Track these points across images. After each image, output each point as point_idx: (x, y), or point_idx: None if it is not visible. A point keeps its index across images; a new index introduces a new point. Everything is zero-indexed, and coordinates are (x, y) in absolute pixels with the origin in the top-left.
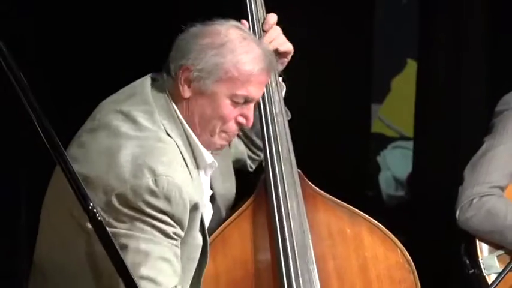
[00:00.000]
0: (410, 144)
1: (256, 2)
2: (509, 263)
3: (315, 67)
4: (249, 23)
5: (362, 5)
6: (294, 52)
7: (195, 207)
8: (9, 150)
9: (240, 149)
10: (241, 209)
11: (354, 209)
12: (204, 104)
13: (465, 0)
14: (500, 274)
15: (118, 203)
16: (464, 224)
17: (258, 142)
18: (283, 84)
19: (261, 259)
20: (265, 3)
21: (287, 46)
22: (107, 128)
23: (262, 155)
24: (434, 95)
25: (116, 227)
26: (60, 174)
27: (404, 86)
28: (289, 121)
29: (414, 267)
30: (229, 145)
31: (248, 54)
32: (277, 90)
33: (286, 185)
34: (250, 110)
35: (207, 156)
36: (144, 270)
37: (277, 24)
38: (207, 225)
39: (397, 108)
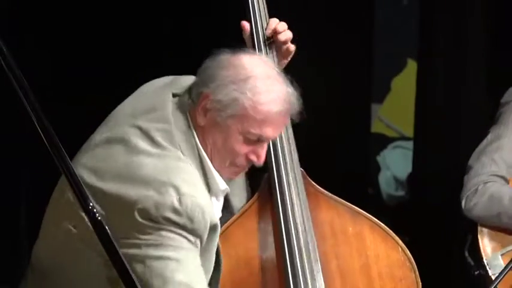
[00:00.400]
0: (410, 144)
1: (259, 6)
2: (510, 262)
3: (315, 67)
4: (251, 27)
5: (362, 5)
6: (294, 52)
7: (214, 228)
8: (9, 150)
9: None
10: (244, 207)
11: (355, 207)
12: (216, 135)
13: (466, 0)
14: (501, 273)
15: (140, 217)
16: (469, 212)
17: None
18: None
19: (266, 258)
20: (266, 2)
21: (286, 35)
22: (124, 142)
23: None
24: (434, 95)
25: (142, 239)
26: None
27: (404, 86)
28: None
29: (415, 266)
30: None
31: (269, 94)
32: None
33: (290, 184)
34: (263, 148)
35: (221, 182)
36: (180, 276)
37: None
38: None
39: (397, 108)
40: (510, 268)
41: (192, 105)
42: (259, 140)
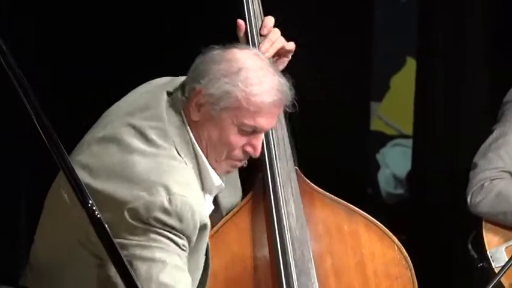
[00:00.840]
0: (409, 142)
1: (253, 5)
2: None
3: (314, 65)
4: (246, 25)
5: (361, 4)
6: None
7: (204, 227)
8: (10, 149)
9: None
10: (238, 206)
11: (351, 205)
12: (211, 129)
13: None
14: (504, 266)
15: (130, 217)
16: (475, 207)
17: None
18: None
19: (259, 256)
20: (263, 1)
21: (290, 45)
22: (118, 141)
23: None
24: (434, 93)
25: (129, 239)
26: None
27: (403, 84)
28: (288, 119)
29: (411, 264)
30: None
31: (261, 86)
32: None
33: (284, 182)
34: (258, 140)
35: (215, 178)
36: (164, 277)
37: (275, 23)
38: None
39: (396, 106)
40: None
41: (185, 102)
42: (254, 132)
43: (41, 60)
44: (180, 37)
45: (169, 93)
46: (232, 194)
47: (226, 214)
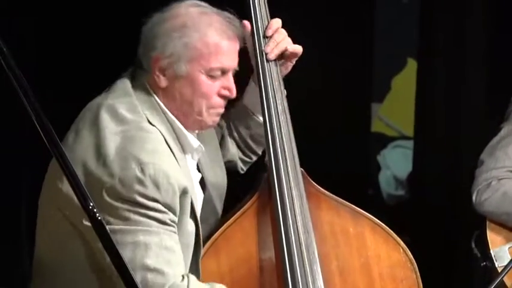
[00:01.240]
0: (410, 143)
1: (260, 6)
2: None
3: (315, 66)
4: (252, 27)
5: (362, 4)
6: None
7: (184, 192)
8: (10, 150)
9: (232, 151)
10: (244, 207)
11: (356, 208)
12: (182, 87)
13: None
14: (506, 266)
15: (109, 197)
16: (479, 206)
17: (253, 146)
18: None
19: (265, 258)
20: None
21: (295, 47)
22: (89, 126)
23: (255, 158)
24: (435, 94)
25: (111, 224)
26: (53, 175)
27: (404, 85)
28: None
29: (416, 266)
30: (221, 144)
31: (211, 27)
32: (280, 90)
33: (290, 184)
34: (229, 80)
35: (193, 140)
36: (148, 261)
37: (282, 25)
38: (198, 211)
39: (397, 108)
40: None
41: (147, 75)
42: (222, 73)
43: (41, 60)
44: None
45: (131, 77)
46: (215, 165)
47: (214, 190)
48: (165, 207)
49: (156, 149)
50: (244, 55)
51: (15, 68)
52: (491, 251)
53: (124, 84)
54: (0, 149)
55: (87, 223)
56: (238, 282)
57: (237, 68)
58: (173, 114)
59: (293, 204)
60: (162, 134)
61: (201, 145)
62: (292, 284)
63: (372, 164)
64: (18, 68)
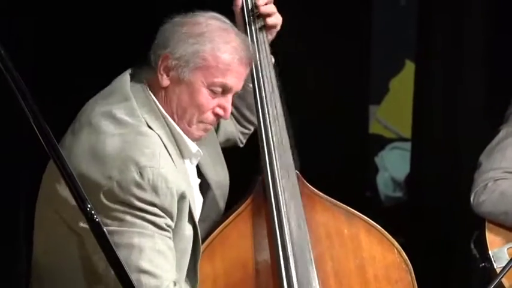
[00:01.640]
0: (408, 145)
1: None
2: None
3: (312, 68)
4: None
5: (360, 6)
6: (292, 53)
7: (182, 197)
8: (9, 153)
9: (229, 129)
10: (239, 210)
11: (351, 209)
12: (181, 92)
13: (464, 1)
14: (505, 266)
15: (106, 199)
16: (477, 207)
17: (250, 116)
18: (272, 57)
19: (260, 260)
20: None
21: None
22: (87, 127)
23: (252, 128)
24: (432, 96)
25: (107, 225)
26: (50, 177)
27: (402, 87)
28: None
29: (411, 267)
30: (217, 130)
31: (227, 44)
32: (277, 88)
33: (284, 186)
34: (228, 101)
35: (191, 145)
36: (142, 264)
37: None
38: (197, 216)
39: (395, 109)
40: None
41: (151, 72)
42: (223, 92)
43: (40, 61)
44: None
45: (132, 75)
46: (217, 164)
47: (217, 188)
48: (162, 212)
49: (155, 153)
50: None
51: (13, 70)
52: (490, 252)
53: (122, 85)
54: None
55: (85, 225)
56: (233, 285)
57: (239, 92)
58: (170, 118)
59: (288, 206)
60: (160, 138)
61: (200, 150)
62: (287, 285)
63: (370, 166)
64: (17, 69)
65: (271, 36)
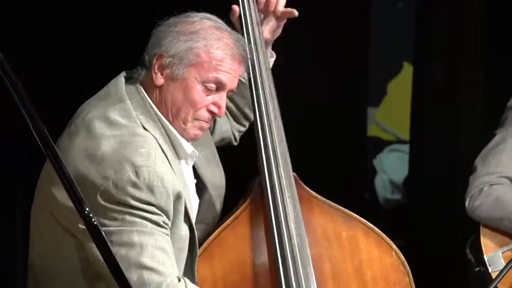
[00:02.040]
0: (406, 147)
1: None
2: (511, 260)
3: (311, 70)
4: (240, 10)
5: (358, 9)
6: (291, 55)
7: (178, 197)
8: (7, 155)
9: (224, 128)
10: (237, 212)
11: (349, 212)
12: (175, 90)
13: (461, 3)
14: (502, 270)
15: (103, 200)
16: (472, 212)
17: (249, 113)
18: (273, 53)
19: (259, 262)
20: None
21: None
22: (82, 130)
23: (248, 124)
24: (431, 98)
25: (106, 225)
26: (45, 180)
27: (400, 89)
28: (285, 125)
29: (409, 269)
30: (212, 130)
31: (220, 41)
32: (274, 92)
33: (282, 188)
34: (222, 98)
35: (187, 146)
36: (144, 260)
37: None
38: (193, 216)
39: (393, 112)
40: (511, 266)
41: (145, 73)
42: (217, 89)
43: (40, 60)
44: None
45: (126, 77)
46: (213, 165)
47: (213, 189)
48: (159, 210)
49: (150, 153)
50: None
51: (11, 73)
52: (485, 256)
53: (117, 87)
54: None
55: (82, 227)
56: (232, 287)
57: (235, 90)
58: (165, 118)
59: (286, 209)
60: (156, 140)
61: (195, 150)
62: (286, 287)
63: (368, 168)
64: (16, 70)
65: (271, 36)
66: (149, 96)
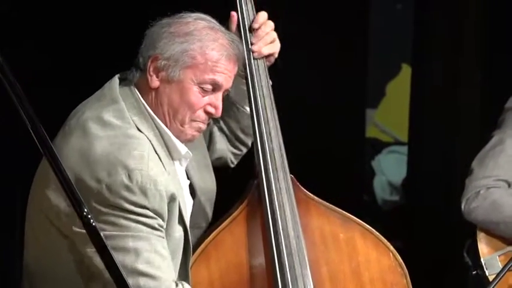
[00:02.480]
0: (404, 149)
1: (246, 1)
2: (508, 262)
3: (310, 72)
4: (238, 18)
5: (357, 10)
6: (289, 56)
7: (172, 199)
8: (6, 157)
9: (221, 147)
10: (234, 214)
11: (346, 213)
12: (172, 92)
13: (460, 4)
14: (499, 273)
15: (97, 203)
16: (468, 214)
17: (244, 138)
18: (270, 82)
19: (255, 264)
20: (261, 9)
21: (273, 48)
22: (76, 131)
23: (245, 150)
24: (429, 99)
25: (101, 229)
26: (40, 182)
27: (399, 90)
28: (283, 126)
29: (406, 271)
30: (209, 147)
31: (215, 42)
32: (270, 97)
33: (279, 190)
34: (218, 99)
35: (181, 147)
36: (139, 266)
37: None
38: (187, 218)
39: (391, 113)
40: (508, 269)
41: (140, 75)
42: (214, 89)
43: (39, 62)
44: None
45: (121, 78)
46: (204, 170)
47: (203, 194)
48: (154, 213)
49: (143, 155)
50: None
51: (9, 74)
52: (482, 259)
53: (111, 89)
54: None
55: (77, 230)
56: None
57: (230, 90)
58: (160, 120)
59: (283, 210)
60: (149, 141)
61: (189, 151)
62: None
63: (367, 170)
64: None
65: (269, 63)
66: (144, 98)
